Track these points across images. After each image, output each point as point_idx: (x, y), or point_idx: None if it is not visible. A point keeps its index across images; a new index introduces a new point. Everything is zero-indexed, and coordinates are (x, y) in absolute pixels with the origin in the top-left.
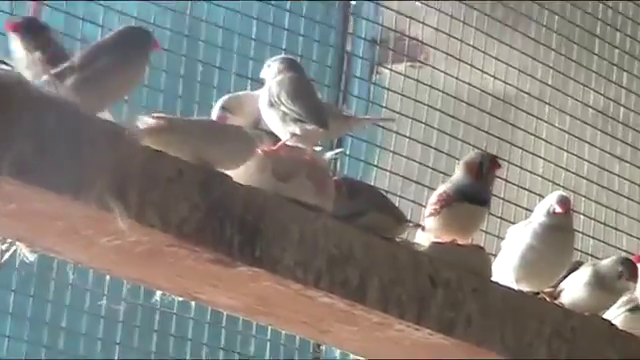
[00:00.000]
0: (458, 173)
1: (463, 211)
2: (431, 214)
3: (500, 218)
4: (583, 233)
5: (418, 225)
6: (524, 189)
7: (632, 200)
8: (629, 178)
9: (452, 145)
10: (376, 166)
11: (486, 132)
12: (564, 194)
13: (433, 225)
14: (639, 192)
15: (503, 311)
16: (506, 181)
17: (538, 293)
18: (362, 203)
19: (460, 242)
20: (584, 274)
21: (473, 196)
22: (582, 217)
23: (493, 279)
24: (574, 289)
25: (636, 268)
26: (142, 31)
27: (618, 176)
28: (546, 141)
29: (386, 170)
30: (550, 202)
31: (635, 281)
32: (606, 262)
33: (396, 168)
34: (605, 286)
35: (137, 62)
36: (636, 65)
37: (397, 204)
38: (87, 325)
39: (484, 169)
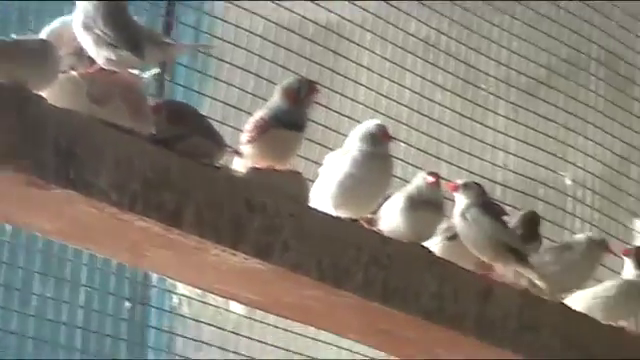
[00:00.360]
0: (275, 99)
1: (279, 137)
2: (248, 140)
3: (320, 145)
4: (403, 161)
5: (236, 151)
6: (345, 116)
7: (452, 128)
8: (450, 106)
9: (273, 72)
10: (198, 92)
11: (307, 59)
12: (381, 122)
13: (250, 151)
14: (459, 120)
15: (320, 237)
16: (327, 108)
17: (357, 220)
18: (183, 127)
19: (278, 168)
20: (398, 200)
21: (290, 122)
22: (402, 145)
23: (311, 205)
24: (390, 216)
25: (437, 174)
26: None
27: (439, 104)
28: (368, 69)
29: (207, 96)
30: (368, 129)
31: (437, 185)
32: (413, 181)
33: (217, 94)
34: (419, 205)
35: None
36: None
37: (218, 130)
38: None
39: (302, 95)
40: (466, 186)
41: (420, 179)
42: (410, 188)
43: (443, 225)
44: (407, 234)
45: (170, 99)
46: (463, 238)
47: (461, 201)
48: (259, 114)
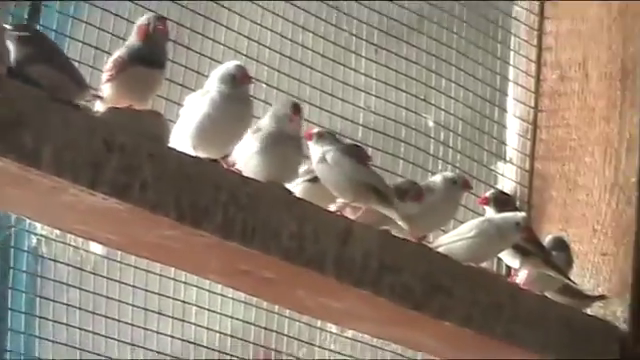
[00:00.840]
0: (131, 37)
1: (138, 75)
2: (107, 80)
3: (181, 86)
4: (265, 102)
5: (98, 96)
6: (206, 57)
7: (315, 70)
8: (312, 48)
9: (133, 13)
10: (69, 37)
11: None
12: (241, 64)
13: (110, 92)
14: (322, 62)
15: (179, 177)
16: (188, 48)
17: (216, 160)
18: (31, 50)
19: (137, 107)
20: (253, 140)
21: (147, 59)
22: (264, 86)
23: (170, 145)
24: (246, 157)
25: (300, 109)
26: None
27: (302, 46)
28: (229, 9)
29: (79, 41)
30: (227, 70)
31: (299, 122)
32: (269, 115)
33: (89, 39)
34: (276, 146)
35: None
36: None
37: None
38: None
39: (151, 29)
40: (320, 135)
41: (280, 111)
42: (267, 125)
43: (304, 167)
44: (265, 173)
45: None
46: (323, 181)
47: (316, 150)
48: (117, 53)
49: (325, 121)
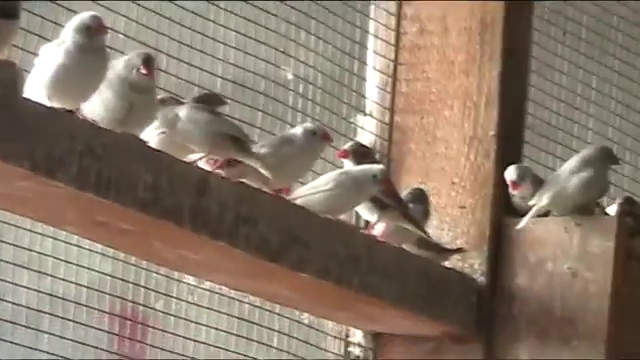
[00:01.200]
0: None
1: None
2: None
3: (39, 36)
4: (122, 53)
5: None
6: (64, 8)
7: (173, 21)
8: None
9: None
10: None
11: None
12: (96, 14)
13: None
14: (181, 14)
15: (34, 127)
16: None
17: (72, 111)
18: None
19: None
20: (103, 87)
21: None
22: (121, 37)
23: (25, 95)
24: (95, 102)
25: (152, 61)
26: None
27: None
28: None
29: None
30: (82, 20)
31: (152, 74)
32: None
33: None
34: (130, 88)
35: None
36: None
37: None
38: None
39: None
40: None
41: (133, 60)
42: (119, 71)
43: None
44: (112, 119)
45: None
46: (181, 139)
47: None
48: None
49: (184, 73)
